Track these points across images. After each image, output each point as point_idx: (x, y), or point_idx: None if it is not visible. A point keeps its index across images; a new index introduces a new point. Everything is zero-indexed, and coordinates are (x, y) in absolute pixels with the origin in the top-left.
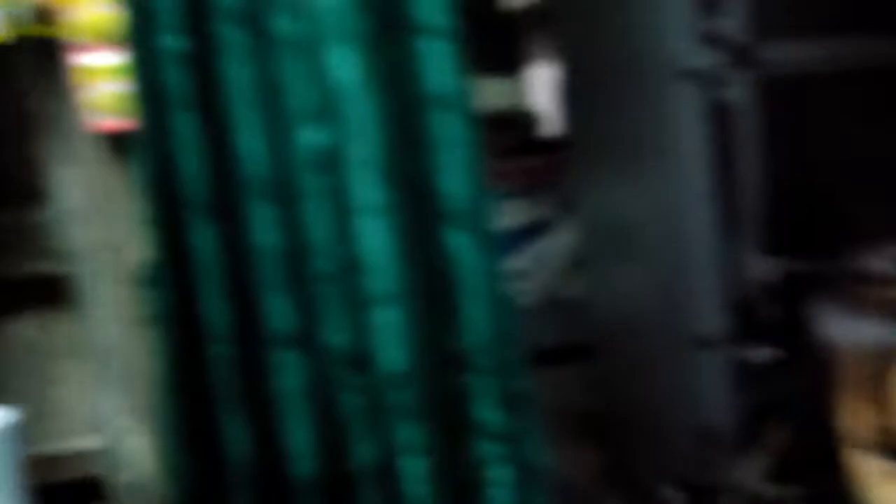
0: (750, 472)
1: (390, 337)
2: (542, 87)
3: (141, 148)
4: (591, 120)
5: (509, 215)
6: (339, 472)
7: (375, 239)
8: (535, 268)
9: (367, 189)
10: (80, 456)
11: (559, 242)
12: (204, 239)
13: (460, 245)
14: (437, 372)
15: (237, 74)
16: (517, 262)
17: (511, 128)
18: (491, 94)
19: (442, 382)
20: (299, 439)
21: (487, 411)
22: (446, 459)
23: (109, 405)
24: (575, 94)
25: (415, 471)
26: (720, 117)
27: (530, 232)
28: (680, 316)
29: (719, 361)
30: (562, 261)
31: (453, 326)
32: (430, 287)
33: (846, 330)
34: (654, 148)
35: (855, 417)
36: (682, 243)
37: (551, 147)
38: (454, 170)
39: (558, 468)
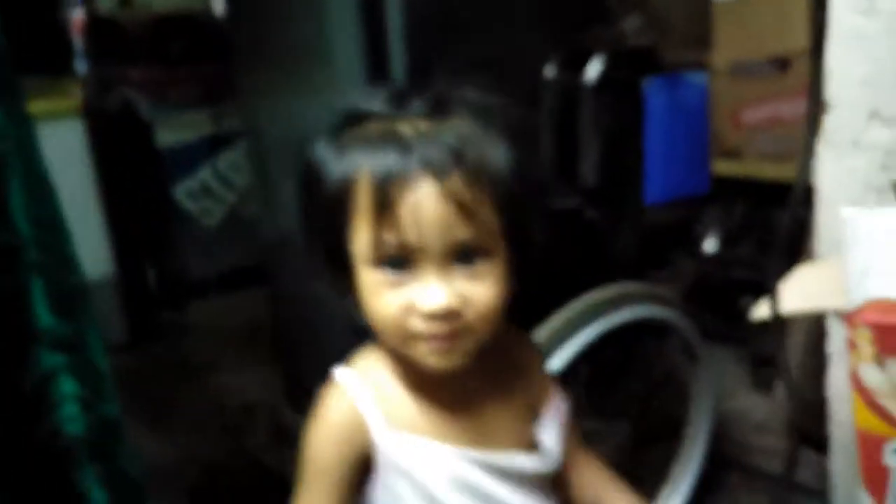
0: None
1: None
2: None
3: None
4: (252, 19)
5: (189, 126)
6: None
7: None
8: (217, 185)
9: None
10: None
11: (241, 158)
12: None
13: None
14: None
15: None
16: (198, 178)
17: (190, 30)
18: None
19: None
20: None
21: (43, 316)
22: None
23: None
24: None
25: None
26: (369, 6)
27: (211, 146)
28: None
29: None
30: (244, 178)
31: None
32: None
33: (353, 161)
34: (310, 45)
35: (360, 237)
36: None
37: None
38: None
39: (243, 391)
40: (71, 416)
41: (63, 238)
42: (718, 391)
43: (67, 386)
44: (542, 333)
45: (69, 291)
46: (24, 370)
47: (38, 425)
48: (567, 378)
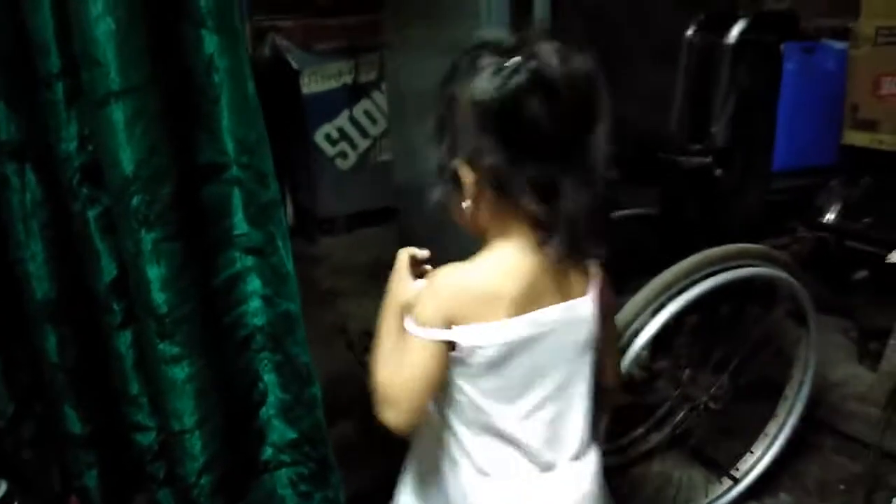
0: None
1: (120, 137)
2: None
3: None
4: None
5: (331, 76)
6: (79, 291)
7: (100, 28)
8: (352, 132)
9: None
10: None
11: (375, 108)
12: None
13: (210, 46)
14: (179, 178)
15: None
16: (336, 124)
17: None
18: None
19: (188, 189)
20: (35, 260)
21: (240, 224)
22: (195, 270)
23: None
24: None
25: (156, 277)
26: None
27: (352, 94)
28: None
29: None
30: (376, 126)
31: (202, 133)
32: (177, 90)
33: None
34: (459, 4)
35: None
36: None
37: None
38: None
39: (365, 317)
40: (255, 310)
41: (262, 158)
42: (821, 358)
43: (254, 284)
44: (657, 282)
45: (263, 204)
46: (219, 268)
47: (226, 315)
48: (676, 327)
